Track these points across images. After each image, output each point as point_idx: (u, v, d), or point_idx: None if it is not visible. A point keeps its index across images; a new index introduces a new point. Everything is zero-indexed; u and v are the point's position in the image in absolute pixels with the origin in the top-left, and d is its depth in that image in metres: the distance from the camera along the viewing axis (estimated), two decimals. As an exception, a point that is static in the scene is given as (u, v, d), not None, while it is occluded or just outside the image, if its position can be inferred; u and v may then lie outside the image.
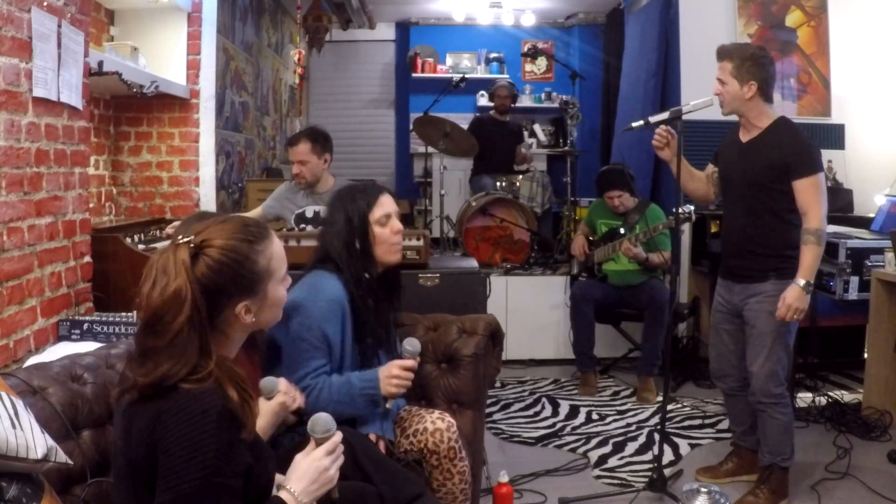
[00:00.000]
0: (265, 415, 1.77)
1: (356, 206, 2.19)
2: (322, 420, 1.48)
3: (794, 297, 2.66)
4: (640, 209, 4.28)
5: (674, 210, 2.96)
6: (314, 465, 1.45)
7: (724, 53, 2.80)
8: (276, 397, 1.80)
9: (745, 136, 2.86)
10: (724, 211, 3.00)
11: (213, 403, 1.29)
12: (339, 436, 1.50)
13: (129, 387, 1.33)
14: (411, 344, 2.10)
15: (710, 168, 3.07)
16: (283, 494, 1.42)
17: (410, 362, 2.08)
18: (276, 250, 1.45)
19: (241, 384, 1.35)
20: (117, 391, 1.37)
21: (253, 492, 1.38)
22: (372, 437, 2.06)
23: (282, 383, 1.83)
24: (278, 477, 1.52)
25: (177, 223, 2.93)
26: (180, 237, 1.37)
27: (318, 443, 1.48)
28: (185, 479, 1.25)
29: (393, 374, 2.05)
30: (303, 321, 2.05)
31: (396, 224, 2.20)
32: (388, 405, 2.07)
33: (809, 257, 2.67)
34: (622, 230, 4.23)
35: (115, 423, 1.41)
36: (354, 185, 2.29)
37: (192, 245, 1.35)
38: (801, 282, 2.66)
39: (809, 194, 2.69)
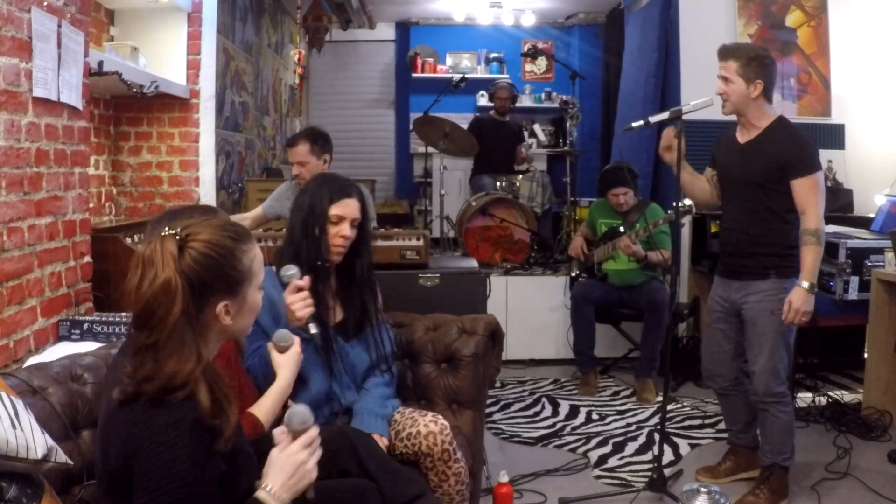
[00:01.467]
0: (286, 366, 1.94)
1: (321, 195, 2.24)
2: (299, 412, 1.44)
3: (799, 300, 2.66)
4: (640, 208, 4.28)
5: (674, 204, 2.95)
6: (291, 460, 1.40)
7: (728, 52, 2.79)
8: (293, 347, 1.95)
9: (743, 137, 2.86)
10: (722, 210, 3.00)
11: (185, 415, 1.26)
12: (315, 429, 1.45)
13: (132, 392, 1.28)
14: (289, 269, 2.11)
15: (709, 172, 3.06)
16: (259, 494, 1.37)
17: (300, 284, 2.08)
18: (257, 254, 1.45)
19: (219, 390, 1.31)
20: (117, 394, 1.32)
21: (232, 498, 1.36)
22: (376, 436, 2.06)
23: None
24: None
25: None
26: (166, 229, 1.34)
27: (295, 435, 1.43)
28: (163, 492, 1.23)
29: (290, 302, 2.07)
30: None
31: (345, 230, 2.22)
32: (312, 329, 2.09)
33: (810, 258, 2.67)
34: (622, 229, 4.24)
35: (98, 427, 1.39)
36: (332, 176, 2.34)
37: (177, 237, 1.33)
38: (805, 284, 2.66)
39: (808, 194, 2.69)
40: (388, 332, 2.36)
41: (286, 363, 1.95)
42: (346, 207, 2.23)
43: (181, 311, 1.28)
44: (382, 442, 2.07)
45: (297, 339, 1.96)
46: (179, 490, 1.24)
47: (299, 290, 2.08)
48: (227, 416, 1.32)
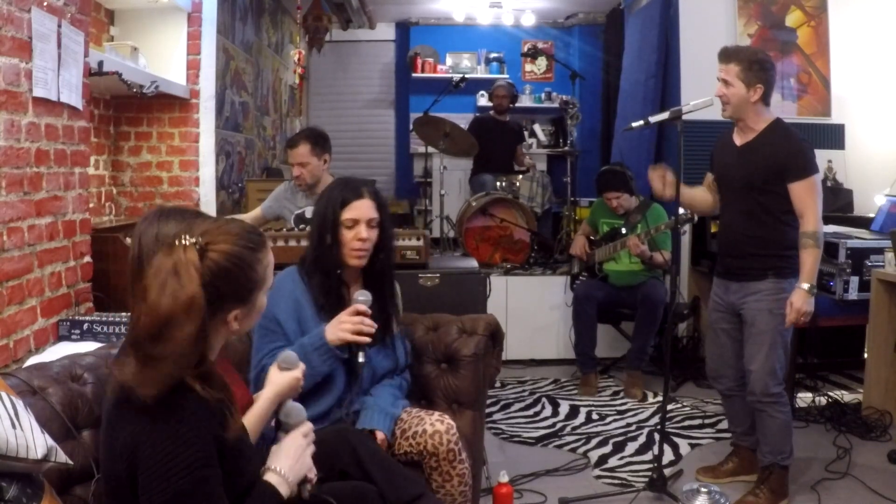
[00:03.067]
0: (276, 384, 1.74)
1: (333, 200, 2.22)
2: (296, 408, 1.57)
3: (800, 300, 2.67)
4: (641, 209, 4.28)
5: (676, 211, 2.96)
6: (296, 444, 1.50)
7: (729, 55, 2.78)
8: (294, 371, 1.77)
9: (740, 139, 2.86)
10: (721, 212, 3.00)
11: (188, 409, 1.27)
12: (309, 425, 1.57)
13: (124, 398, 1.28)
14: (363, 294, 2.12)
15: (710, 177, 3.07)
16: (269, 477, 1.43)
17: (360, 308, 2.08)
18: (270, 259, 1.45)
19: (216, 383, 1.32)
20: (110, 396, 1.33)
21: (239, 487, 1.37)
22: (378, 434, 2.06)
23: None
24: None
25: None
26: (185, 237, 1.31)
27: (294, 428, 1.54)
28: (167, 480, 1.24)
29: (341, 320, 2.06)
30: None
31: (362, 232, 2.18)
32: (360, 358, 2.05)
33: (810, 261, 2.67)
34: (624, 230, 4.24)
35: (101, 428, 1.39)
36: (344, 181, 2.32)
37: (198, 247, 1.31)
38: (806, 286, 2.67)
39: (805, 196, 2.69)
40: (404, 340, 2.36)
41: (278, 383, 1.73)
42: (358, 210, 2.19)
43: (196, 330, 1.24)
44: (380, 438, 2.06)
45: (301, 367, 1.77)
46: (183, 478, 1.24)
47: (358, 313, 2.06)
48: (230, 409, 1.33)
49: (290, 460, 1.47)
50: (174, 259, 1.27)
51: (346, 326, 2.05)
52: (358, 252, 2.18)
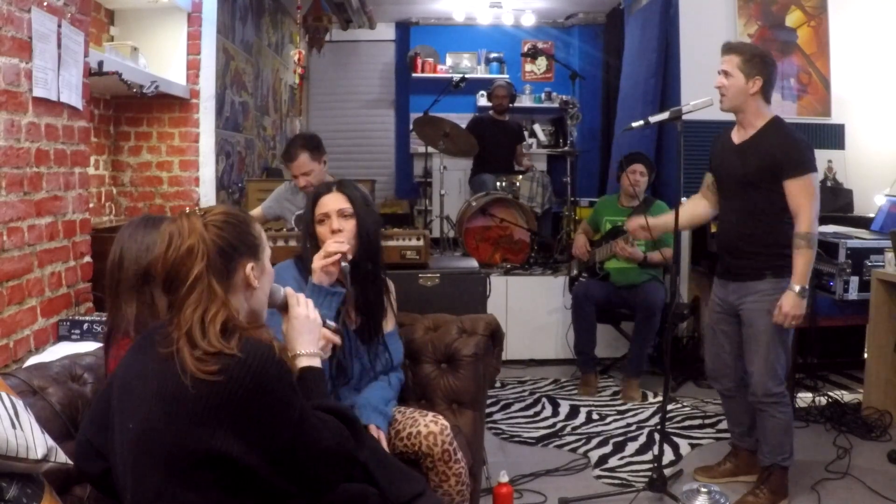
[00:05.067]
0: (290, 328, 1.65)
1: (308, 203, 2.30)
2: (274, 289, 1.59)
3: (790, 304, 2.67)
4: (644, 206, 4.28)
5: (676, 212, 2.95)
6: (297, 322, 1.60)
7: (731, 48, 2.80)
8: (291, 308, 1.64)
9: (738, 137, 2.86)
10: (719, 211, 3.00)
11: (267, 349, 1.35)
12: (289, 289, 1.63)
13: (173, 349, 1.33)
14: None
15: (709, 178, 3.06)
16: (300, 362, 1.56)
17: (329, 248, 2.11)
18: (261, 229, 1.56)
19: (277, 342, 1.40)
20: (162, 351, 1.34)
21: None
22: (372, 429, 2.06)
23: (289, 289, 1.67)
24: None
25: None
26: (186, 209, 1.47)
27: (284, 307, 1.62)
28: (289, 415, 1.34)
29: (314, 263, 2.10)
30: None
31: (333, 223, 2.22)
32: (332, 325, 1.83)
33: (802, 262, 2.67)
34: (625, 228, 4.23)
35: (143, 412, 1.33)
36: (321, 184, 2.39)
37: (199, 215, 1.44)
38: (797, 288, 2.66)
39: (800, 195, 2.68)
40: (398, 340, 2.36)
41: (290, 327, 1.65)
42: (325, 205, 2.24)
43: (204, 268, 1.38)
44: (381, 437, 2.06)
45: (289, 288, 1.66)
46: (295, 395, 1.36)
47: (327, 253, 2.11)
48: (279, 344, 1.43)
49: (305, 336, 1.59)
50: (178, 224, 1.43)
51: (318, 259, 2.10)
52: (335, 247, 2.14)
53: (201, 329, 1.33)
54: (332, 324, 1.79)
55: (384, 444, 2.05)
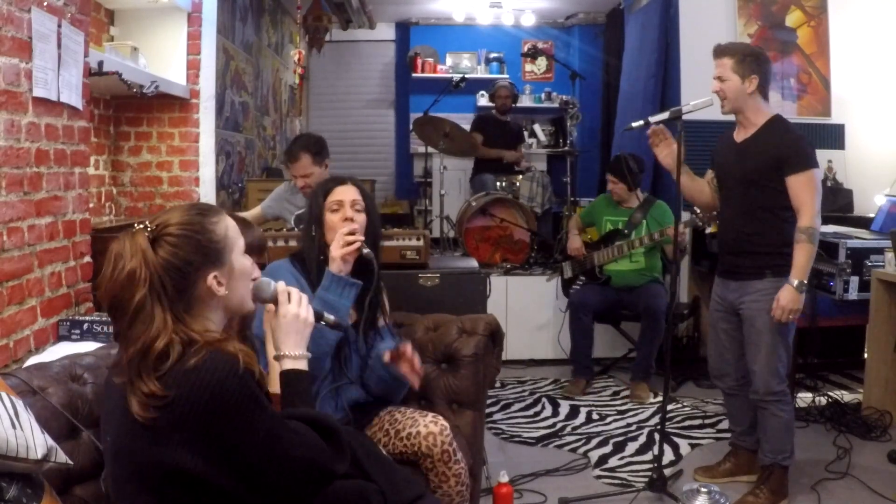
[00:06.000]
0: (272, 323, 1.59)
1: (317, 194, 2.30)
2: (261, 283, 1.52)
3: (787, 298, 2.67)
4: (644, 207, 4.27)
5: (678, 214, 2.96)
6: (286, 321, 1.53)
7: (722, 51, 2.80)
8: (281, 305, 1.57)
9: (740, 136, 2.86)
10: (720, 210, 3.00)
11: (228, 362, 1.29)
12: (282, 283, 1.56)
13: (119, 374, 1.32)
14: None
15: (710, 174, 3.07)
16: (284, 364, 1.51)
17: (343, 232, 2.14)
18: (230, 222, 1.47)
19: (244, 354, 1.34)
20: (116, 381, 1.34)
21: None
22: (386, 355, 2.14)
23: (281, 284, 1.61)
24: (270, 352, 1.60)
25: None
26: (136, 225, 1.38)
27: (274, 302, 1.54)
28: (255, 431, 1.29)
29: (332, 249, 2.12)
30: None
31: (347, 211, 2.23)
32: (330, 317, 1.73)
33: (802, 256, 2.67)
34: (626, 230, 4.23)
35: (113, 430, 1.36)
36: (329, 177, 2.40)
37: (148, 230, 1.36)
38: (795, 282, 2.67)
39: (802, 190, 2.68)
40: (392, 335, 2.36)
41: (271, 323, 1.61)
42: (341, 192, 2.26)
43: (145, 294, 1.30)
44: (407, 347, 2.13)
45: (280, 283, 1.60)
46: (268, 422, 1.31)
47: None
48: (262, 376, 1.38)
49: (293, 337, 1.52)
50: (120, 245, 1.35)
51: (336, 248, 2.11)
52: (352, 234, 2.15)
53: (143, 365, 1.28)
54: (330, 317, 1.68)
55: (409, 350, 2.13)
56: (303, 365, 1.53)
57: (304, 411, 1.46)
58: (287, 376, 1.51)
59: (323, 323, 1.67)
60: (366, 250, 2.13)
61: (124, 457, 1.32)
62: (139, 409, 1.25)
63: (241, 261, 1.46)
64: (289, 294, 1.56)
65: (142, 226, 1.36)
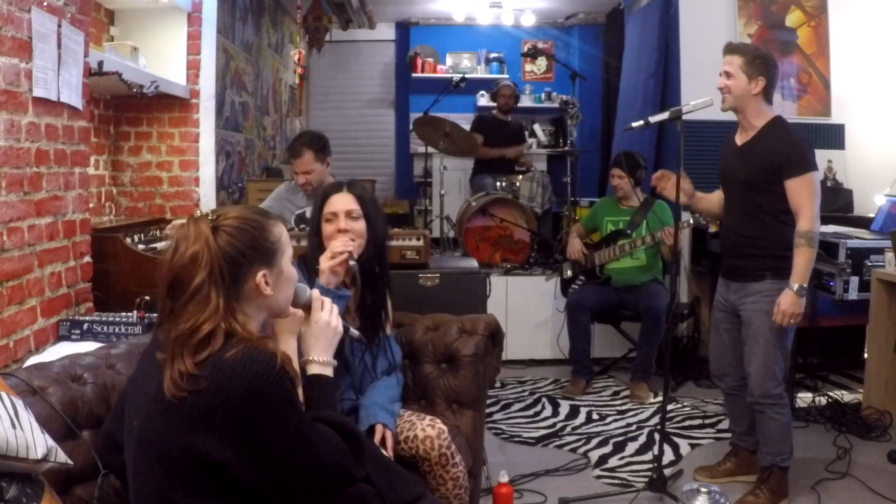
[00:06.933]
0: (291, 323, 1.61)
1: (317, 201, 2.30)
2: (300, 289, 1.56)
3: (788, 302, 2.67)
4: (645, 207, 4.27)
5: (678, 214, 2.96)
6: (318, 326, 1.59)
7: (734, 48, 2.80)
8: (314, 311, 1.61)
9: (741, 139, 2.86)
10: (723, 212, 3.01)
11: (267, 358, 1.31)
12: (316, 291, 1.62)
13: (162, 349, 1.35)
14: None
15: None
16: (311, 368, 1.56)
17: (334, 248, 2.13)
18: (284, 230, 1.52)
19: (282, 354, 1.37)
20: (159, 356, 1.35)
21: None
22: (378, 428, 2.06)
23: (315, 292, 1.65)
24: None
25: (177, 222, 2.89)
26: (197, 212, 1.44)
27: (306, 309, 1.59)
28: (281, 433, 1.31)
29: (321, 264, 2.11)
30: None
31: (341, 223, 2.21)
32: (353, 333, 1.77)
33: (802, 261, 2.67)
34: (628, 230, 4.23)
35: (143, 411, 1.36)
36: (330, 182, 2.40)
37: (210, 218, 1.41)
38: (795, 286, 2.66)
39: (801, 194, 2.68)
40: (396, 342, 2.36)
41: (290, 324, 1.62)
42: (334, 204, 2.25)
43: (206, 276, 1.35)
44: (388, 436, 2.06)
45: (315, 291, 1.66)
46: (295, 427, 1.33)
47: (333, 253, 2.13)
48: (296, 379, 1.41)
49: (321, 342, 1.58)
50: (186, 229, 1.40)
51: (325, 259, 2.11)
52: (344, 243, 2.15)
53: (187, 344, 1.31)
54: (355, 332, 1.75)
55: (390, 442, 2.05)
56: (329, 371, 1.58)
57: (328, 414, 1.49)
58: (313, 381, 1.54)
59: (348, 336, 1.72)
60: (352, 262, 2.12)
61: (152, 440, 1.32)
62: (171, 386, 1.28)
63: (290, 267, 1.52)
64: (322, 302, 1.61)
65: (205, 214, 1.43)
